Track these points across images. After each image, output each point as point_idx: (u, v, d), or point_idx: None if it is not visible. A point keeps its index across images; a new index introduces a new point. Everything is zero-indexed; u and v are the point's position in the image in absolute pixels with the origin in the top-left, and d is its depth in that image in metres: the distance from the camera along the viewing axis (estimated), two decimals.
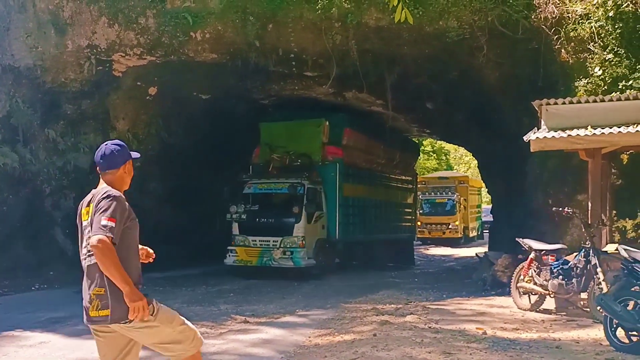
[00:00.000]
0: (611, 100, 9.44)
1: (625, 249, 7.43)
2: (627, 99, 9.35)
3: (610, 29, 11.21)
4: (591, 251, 9.02)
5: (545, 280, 9.68)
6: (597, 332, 7.95)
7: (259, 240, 16.58)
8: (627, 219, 10.96)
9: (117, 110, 16.57)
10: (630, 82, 10.70)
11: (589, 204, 9.81)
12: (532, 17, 12.20)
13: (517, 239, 10.71)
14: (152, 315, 4.08)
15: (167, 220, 17.30)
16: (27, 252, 14.98)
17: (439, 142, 42.31)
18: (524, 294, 10.26)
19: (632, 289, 7.12)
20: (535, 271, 9.96)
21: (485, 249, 22.43)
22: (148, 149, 16.30)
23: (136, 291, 3.93)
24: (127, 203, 4.12)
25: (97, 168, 4.32)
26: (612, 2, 11.19)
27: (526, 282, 10.11)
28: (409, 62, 15.56)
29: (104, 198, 4.02)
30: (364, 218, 19.70)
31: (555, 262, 9.73)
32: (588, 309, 9.16)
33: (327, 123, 17.74)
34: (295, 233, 16.33)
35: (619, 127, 8.84)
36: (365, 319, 9.48)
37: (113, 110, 16.50)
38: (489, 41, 12.89)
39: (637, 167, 10.99)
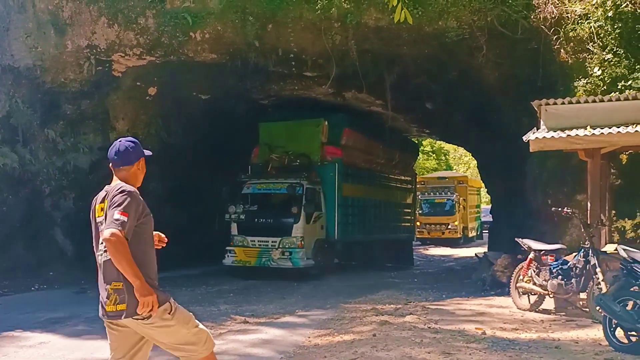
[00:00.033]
0: (610, 100, 9.45)
1: (624, 249, 7.43)
2: (626, 99, 9.35)
3: (609, 29, 11.21)
4: (590, 251, 9.02)
5: (545, 280, 9.68)
6: (596, 332, 7.95)
7: (258, 241, 16.56)
8: (626, 219, 10.97)
9: (116, 111, 16.56)
10: (630, 82, 10.70)
11: (588, 204, 9.82)
12: (532, 17, 12.21)
13: (516, 239, 10.72)
14: (170, 314, 4.11)
15: (167, 221, 17.08)
16: (26, 253, 14.98)
17: (438, 142, 42.32)
18: (524, 294, 10.27)
19: (631, 289, 7.13)
20: (534, 271, 9.97)
21: (484, 249, 22.46)
22: (148, 149, 16.24)
23: (147, 286, 3.94)
24: (141, 198, 4.14)
25: (110, 164, 4.33)
26: (611, 2, 11.19)
27: (525, 282, 10.11)
28: (409, 62, 15.58)
29: (118, 193, 4.03)
30: (363, 218, 19.69)
31: (555, 262, 9.74)
32: (587, 309, 9.17)
33: (326, 123, 17.74)
34: (294, 233, 16.31)
35: (618, 127, 8.84)
36: (365, 319, 9.49)
37: (113, 110, 16.50)
38: (489, 41, 12.89)
39: (636, 167, 11.00)
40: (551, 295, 9.78)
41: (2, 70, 15.31)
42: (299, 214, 16.40)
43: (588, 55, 11.38)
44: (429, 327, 8.66)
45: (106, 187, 4.24)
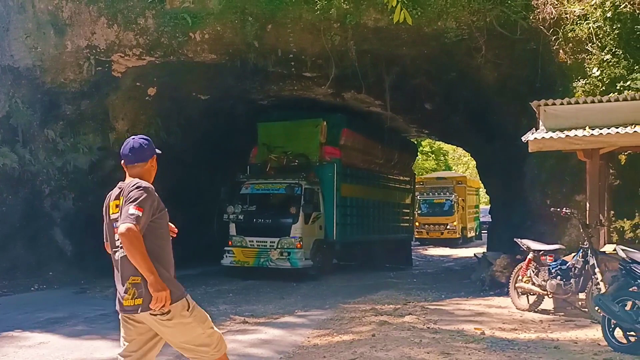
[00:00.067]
0: (609, 101, 9.47)
1: (623, 249, 7.45)
2: (625, 99, 9.38)
3: (608, 30, 11.23)
4: (589, 251, 9.05)
5: (544, 280, 9.70)
6: (595, 333, 7.97)
7: (256, 241, 16.55)
8: (625, 219, 10.99)
9: (116, 111, 16.56)
10: (628, 82, 10.72)
11: (587, 205, 9.84)
12: (531, 17, 12.23)
13: (515, 240, 10.73)
14: (188, 311, 4.14)
15: None
16: (26, 253, 14.98)
17: (437, 142, 42.31)
18: (523, 294, 10.28)
19: (630, 289, 7.14)
20: (533, 271, 9.98)
21: (483, 249, 22.45)
22: None
23: (160, 281, 3.96)
24: (156, 194, 4.16)
25: (122, 162, 4.35)
26: (610, 2, 11.21)
27: (524, 282, 10.12)
28: (408, 62, 15.59)
29: (135, 188, 4.06)
30: (362, 219, 19.68)
31: (554, 263, 9.76)
32: (586, 309, 9.17)
33: (325, 123, 17.70)
34: (292, 234, 16.28)
35: (617, 128, 8.86)
36: (364, 319, 9.50)
37: (112, 110, 16.50)
38: (487, 42, 12.91)
39: (635, 167, 11.03)
40: (550, 296, 9.80)
41: (1, 71, 15.30)
42: (297, 215, 16.38)
43: (587, 56, 11.40)
44: (428, 327, 8.68)
45: (120, 184, 4.26)
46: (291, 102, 19.07)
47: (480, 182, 29.98)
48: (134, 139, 4.37)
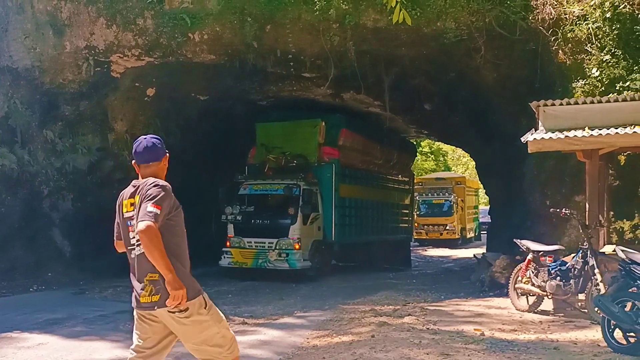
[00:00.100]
0: (608, 101, 9.47)
1: (622, 250, 7.43)
2: (625, 100, 9.39)
3: (607, 30, 11.24)
4: (589, 252, 9.04)
5: (543, 281, 9.69)
6: (594, 333, 7.97)
7: (254, 242, 16.50)
8: (624, 220, 11.00)
9: (115, 111, 16.54)
10: (628, 83, 10.73)
11: (587, 205, 9.84)
12: (530, 18, 12.23)
13: (514, 240, 10.72)
14: (205, 309, 4.15)
15: None
16: (25, 253, 14.97)
17: (436, 143, 42.32)
18: (522, 295, 10.26)
19: (630, 290, 7.12)
20: (533, 272, 9.97)
21: (483, 250, 22.44)
22: None
23: (178, 279, 3.97)
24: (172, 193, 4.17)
25: (134, 161, 4.36)
26: (609, 3, 11.22)
27: (524, 283, 10.11)
28: (407, 63, 15.60)
29: (153, 186, 4.09)
30: (361, 219, 19.64)
31: (553, 263, 9.75)
32: (586, 310, 9.16)
33: (324, 123, 17.65)
34: (290, 235, 16.23)
35: (616, 128, 8.86)
36: (364, 320, 9.49)
37: (111, 111, 16.48)
38: (487, 42, 12.91)
39: (634, 168, 11.03)
40: (550, 296, 9.78)
41: (0, 71, 15.31)
42: (295, 215, 16.33)
43: (586, 57, 11.41)
44: (428, 328, 8.67)
45: (134, 182, 4.28)
46: (290, 103, 19.06)
47: (479, 182, 30.00)
48: (146, 138, 4.39)
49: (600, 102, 9.49)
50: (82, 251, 15.59)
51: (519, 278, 10.22)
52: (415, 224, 31.96)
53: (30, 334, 8.95)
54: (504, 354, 6.98)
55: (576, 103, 9.63)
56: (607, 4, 11.24)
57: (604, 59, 11.10)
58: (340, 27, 13.60)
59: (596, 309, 7.73)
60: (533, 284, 9.91)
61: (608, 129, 8.89)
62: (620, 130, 8.79)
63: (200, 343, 4.23)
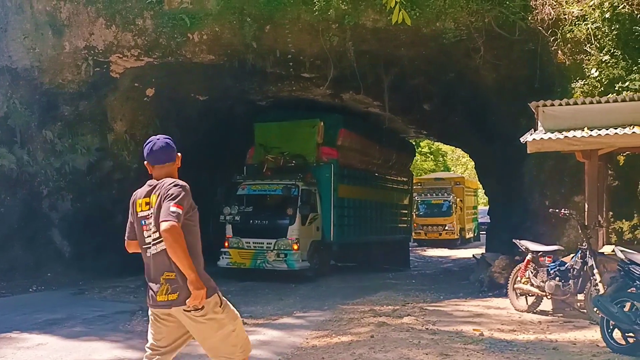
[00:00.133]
0: (607, 101, 9.47)
1: (621, 251, 7.43)
2: (624, 100, 9.39)
3: (606, 31, 11.24)
4: (588, 252, 9.04)
5: (542, 281, 9.69)
6: (593, 334, 7.97)
7: (253, 242, 16.47)
8: (623, 220, 10.99)
9: (114, 112, 16.54)
10: (627, 83, 10.73)
11: (586, 205, 9.83)
12: (529, 18, 12.24)
13: (514, 241, 10.72)
14: (220, 307, 4.17)
15: None
16: (24, 254, 14.96)
17: (436, 143, 42.32)
18: (521, 295, 10.26)
19: (629, 291, 7.12)
20: (532, 272, 9.97)
21: (482, 250, 22.45)
22: None
23: (199, 279, 4.00)
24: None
25: (147, 162, 4.38)
26: (609, 3, 11.22)
27: (523, 283, 10.11)
28: (406, 63, 15.59)
29: (173, 186, 4.11)
30: (359, 220, 19.62)
31: (552, 264, 9.74)
32: (585, 311, 9.17)
33: (322, 123, 17.61)
34: (289, 235, 16.20)
35: (616, 129, 8.86)
36: (363, 321, 9.50)
37: (111, 111, 16.47)
38: (486, 42, 12.92)
39: (634, 168, 11.03)
40: (549, 297, 9.78)
41: None
42: (294, 216, 16.31)
43: (585, 57, 11.41)
44: (427, 329, 8.68)
45: (150, 182, 4.30)
46: (290, 103, 19.05)
47: (478, 182, 30.01)
48: (159, 139, 4.43)
49: (599, 102, 9.49)
50: (81, 251, 15.58)
51: (518, 278, 10.22)
52: (414, 224, 31.94)
53: (29, 334, 8.94)
54: (503, 354, 6.98)
55: (575, 103, 9.63)
56: (606, 4, 11.25)
57: (603, 60, 11.10)
58: (340, 27, 13.61)
59: (595, 309, 7.74)
60: (532, 284, 9.90)
61: (607, 129, 8.89)
62: (619, 131, 8.79)
63: (214, 341, 4.25)
